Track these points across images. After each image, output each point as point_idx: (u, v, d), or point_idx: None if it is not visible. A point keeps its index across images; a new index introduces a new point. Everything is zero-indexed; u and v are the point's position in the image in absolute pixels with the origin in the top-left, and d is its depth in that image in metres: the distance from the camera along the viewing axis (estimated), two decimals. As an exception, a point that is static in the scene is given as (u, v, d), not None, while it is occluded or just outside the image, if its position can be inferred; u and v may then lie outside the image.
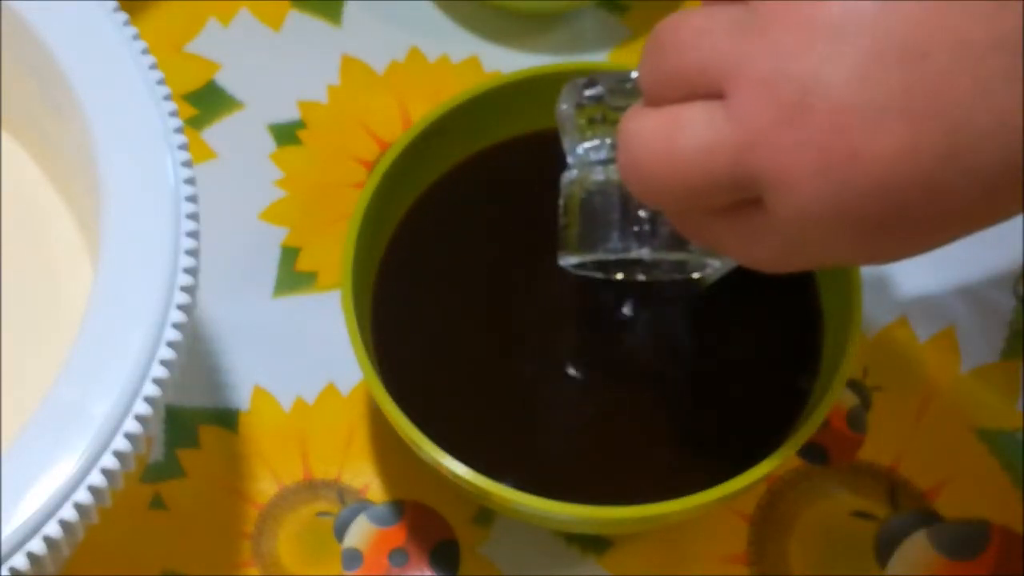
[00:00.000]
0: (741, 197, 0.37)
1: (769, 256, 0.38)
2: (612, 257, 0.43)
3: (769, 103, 0.35)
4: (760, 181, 0.35)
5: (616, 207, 0.42)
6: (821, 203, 0.35)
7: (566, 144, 0.44)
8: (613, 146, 0.41)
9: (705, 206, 0.38)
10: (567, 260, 0.44)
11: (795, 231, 0.36)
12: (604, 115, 0.42)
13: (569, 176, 0.44)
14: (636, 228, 0.42)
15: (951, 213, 0.35)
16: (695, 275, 0.46)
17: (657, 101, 0.38)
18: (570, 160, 0.44)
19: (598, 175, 0.43)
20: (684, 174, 0.37)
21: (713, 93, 0.36)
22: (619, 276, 0.47)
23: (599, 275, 0.47)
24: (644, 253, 0.43)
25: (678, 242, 0.42)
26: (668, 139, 0.37)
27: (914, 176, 0.34)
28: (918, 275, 0.54)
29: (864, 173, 0.34)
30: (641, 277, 0.47)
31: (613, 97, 0.42)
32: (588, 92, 0.42)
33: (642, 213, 0.42)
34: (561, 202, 0.44)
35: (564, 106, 0.43)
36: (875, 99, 0.34)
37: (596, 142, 0.43)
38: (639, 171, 0.38)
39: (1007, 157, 0.33)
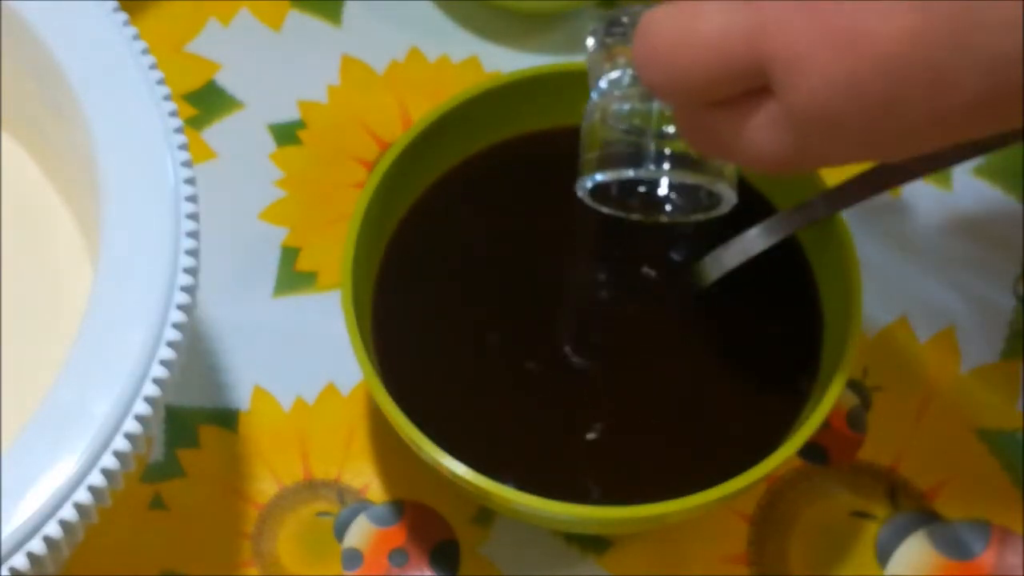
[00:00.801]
0: (752, 86, 0.37)
1: (776, 152, 0.38)
2: (631, 175, 0.43)
3: None
4: (773, 64, 0.36)
5: (636, 131, 0.43)
6: (831, 84, 0.35)
7: (591, 78, 0.44)
8: (634, 76, 0.42)
9: (716, 97, 0.38)
10: (585, 184, 0.45)
11: (805, 116, 0.36)
12: (628, 62, 0.43)
13: (591, 106, 0.44)
14: (653, 148, 0.43)
15: (957, 104, 0.35)
16: (714, 205, 0.46)
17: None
18: (593, 95, 0.44)
19: (619, 104, 0.43)
20: (699, 58, 0.37)
21: None
22: (636, 216, 0.47)
23: (618, 213, 0.47)
24: (660, 172, 0.43)
25: (693, 163, 0.43)
26: (685, 25, 0.38)
27: (923, 60, 0.34)
28: (918, 275, 0.54)
29: (874, 55, 0.35)
30: (656, 218, 0.47)
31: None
32: (613, 27, 0.43)
33: (659, 136, 0.43)
34: (583, 130, 0.44)
35: (590, 42, 0.44)
36: None
37: (618, 73, 0.43)
38: (656, 57, 0.38)
39: (1016, 49, 0.34)
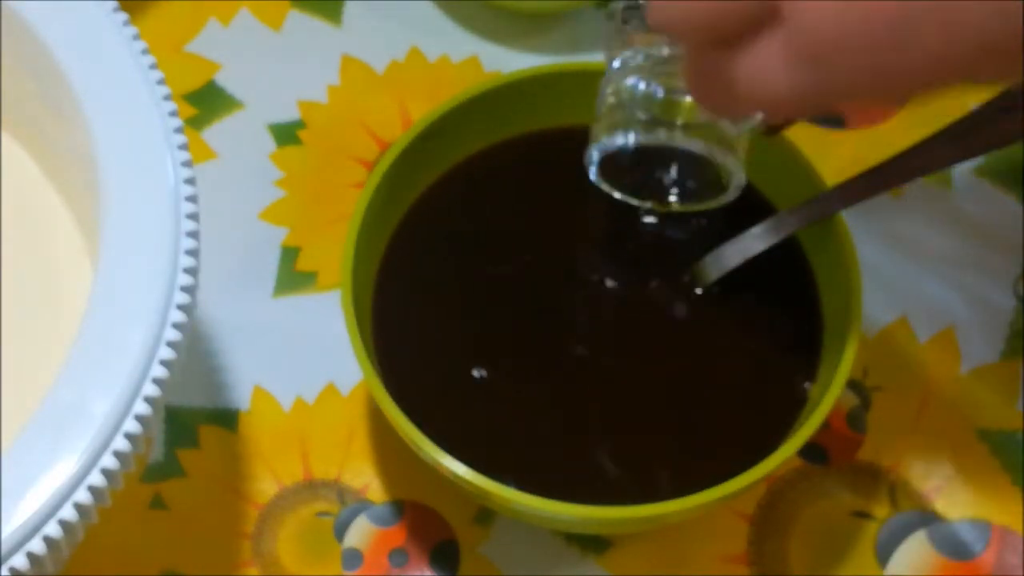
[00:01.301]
0: (759, 21, 0.37)
1: (783, 89, 0.38)
2: (641, 140, 0.44)
3: None
4: None
5: (647, 103, 0.44)
6: (839, 8, 0.35)
7: (606, 56, 0.45)
8: (647, 55, 0.44)
9: (725, 32, 0.38)
10: (594, 152, 0.45)
11: (812, 42, 0.37)
12: (646, 54, 0.44)
13: (605, 81, 0.45)
14: (664, 118, 0.44)
15: (968, 43, 0.35)
16: (723, 190, 0.47)
17: None
18: (608, 71, 0.45)
19: (634, 81, 0.44)
20: None
21: None
22: (646, 204, 0.48)
23: (627, 198, 0.47)
24: (670, 137, 0.44)
25: (702, 134, 0.44)
26: None
27: None
28: (918, 275, 0.54)
29: None
30: (665, 201, 0.48)
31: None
32: (631, 8, 0.44)
33: (670, 111, 0.44)
34: (597, 105, 0.45)
35: (608, 20, 0.45)
36: None
37: (631, 52, 0.44)
38: None
39: None
